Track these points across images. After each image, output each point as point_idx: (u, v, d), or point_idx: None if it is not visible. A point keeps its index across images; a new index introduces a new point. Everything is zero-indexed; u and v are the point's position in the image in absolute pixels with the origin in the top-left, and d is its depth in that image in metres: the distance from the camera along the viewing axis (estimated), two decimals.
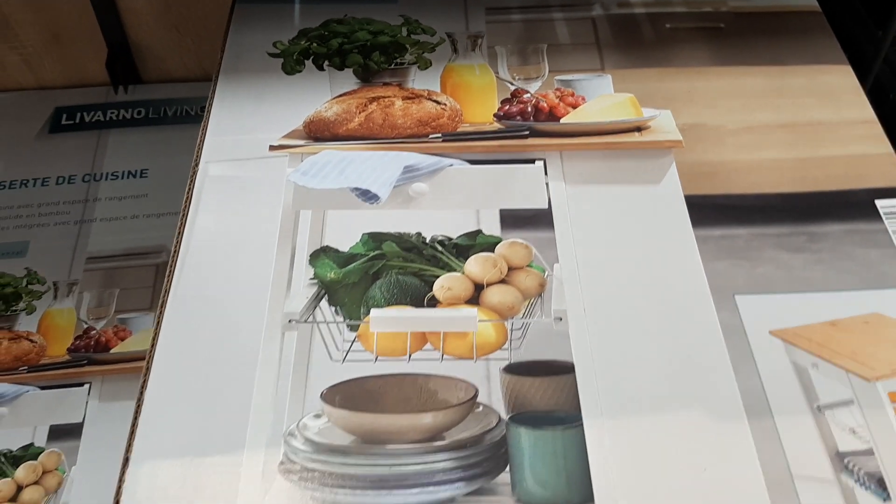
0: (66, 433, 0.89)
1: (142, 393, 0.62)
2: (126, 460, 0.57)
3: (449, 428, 0.59)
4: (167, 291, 0.68)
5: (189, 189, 0.76)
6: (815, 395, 0.60)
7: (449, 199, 0.72)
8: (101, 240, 1.08)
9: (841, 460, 0.57)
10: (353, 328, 0.66)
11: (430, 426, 0.59)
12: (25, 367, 0.96)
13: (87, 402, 0.91)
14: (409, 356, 0.63)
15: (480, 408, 0.61)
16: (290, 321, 0.65)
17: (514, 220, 0.72)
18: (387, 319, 0.65)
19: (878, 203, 0.71)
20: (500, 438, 0.58)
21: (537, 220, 0.71)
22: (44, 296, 1.01)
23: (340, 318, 0.67)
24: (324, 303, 0.68)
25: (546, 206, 0.71)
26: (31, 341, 0.99)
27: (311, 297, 0.68)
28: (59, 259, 1.05)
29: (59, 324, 1.03)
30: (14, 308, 1.02)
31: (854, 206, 0.71)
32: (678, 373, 0.61)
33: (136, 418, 0.59)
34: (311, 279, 0.69)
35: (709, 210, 0.71)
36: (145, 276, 1.06)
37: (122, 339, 0.99)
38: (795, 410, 0.59)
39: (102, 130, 1.23)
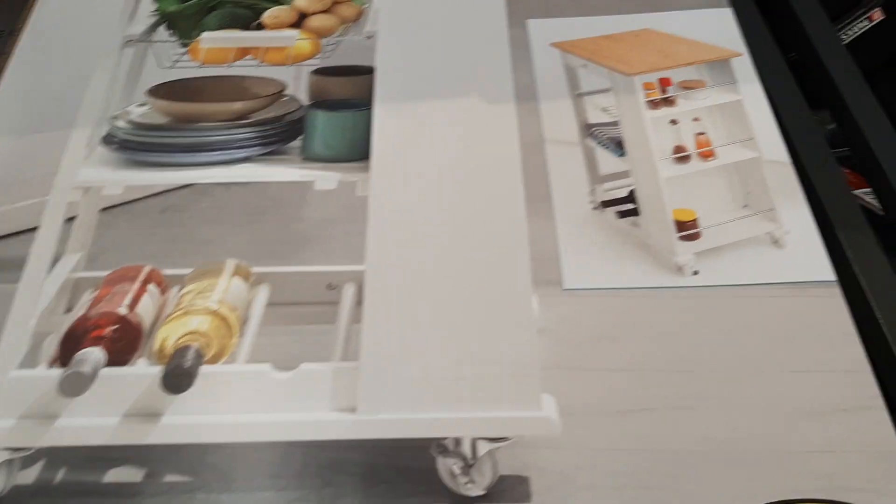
0: None
1: None
2: None
3: (255, 112, 0.66)
4: (23, 21, 0.74)
5: None
6: (579, 86, 0.67)
7: None
8: None
9: (588, 129, 0.64)
10: (185, 45, 0.72)
11: (238, 111, 0.65)
12: None
13: None
14: (231, 63, 0.70)
15: (287, 98, 0.68)
16: (128, 41, 0.72)
17: None
18: (217, 38, 0.71)
19: None
20: (298, 118, 0.65)
21: None
22: None
23: (175, 40, 0.73)
24: (161, 29, 0.74)
25: None
26: None
27: (151, 24, 0.74)
28: None
29: None
30: None
31: None
32: (461, 71, 0.67)
33: None
34: (153, 12, 0.75)
35: None
36: None
37: None
38: (558, 96, 0.66)
39: None
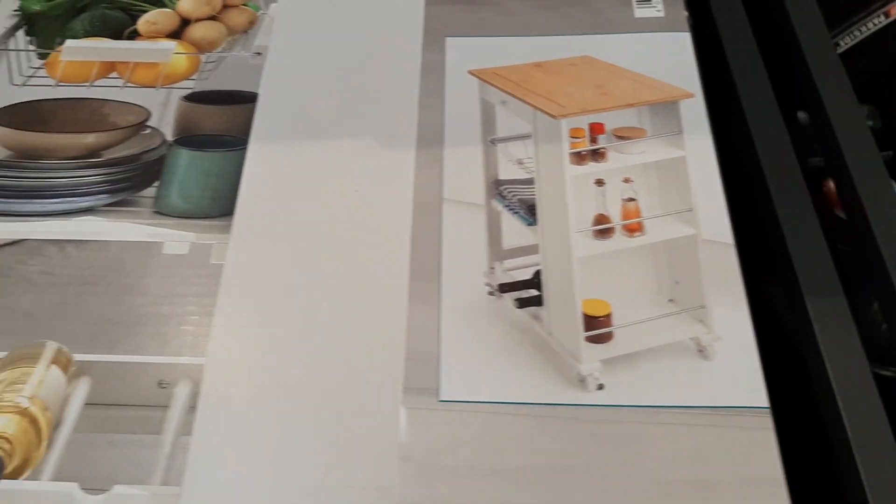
0: None
1: None
2: None
3: (112, 147, 0.56)
4: None
5: None
6: (494, 130, 0.56)
7: None
8: None
9: (497, 187, 0.54)
10: (43, 57, 0.62)
11: (90, 145, 0.55)
12: None
13: None
14: (92, 82, 0.59)
15: (148, 131, 0.58)
16: None
17: None
18: (79, 49, 0.60)
19: None
20: (157, 158, 0.55)
21: None
22: None
23: (33, 48, 0.63)
24: (21, 34, 0.64)
25: None
26: None
27: (9, 27, 0.64)
28: None
29: None
30: None
31: None
32: (360, 104, 0.56)
33: None
34: (15, 11, 0.65)
35: None
36: None
37: None
38: (467, 142, 0.55)
39: None
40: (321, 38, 0.60)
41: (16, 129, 0.55)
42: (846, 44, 0.90)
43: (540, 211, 0.50)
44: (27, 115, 0.56)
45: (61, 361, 0.47)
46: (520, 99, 0.55)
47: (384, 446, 0.42)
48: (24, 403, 0.44)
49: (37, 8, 0.62)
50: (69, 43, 0.59)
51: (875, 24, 0.94)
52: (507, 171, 0.53)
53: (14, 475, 0.43)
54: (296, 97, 0.56)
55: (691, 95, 0.55)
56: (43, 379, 0.45)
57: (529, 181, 0.52)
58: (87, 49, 0.59)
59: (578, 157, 0.52)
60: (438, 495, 0.41)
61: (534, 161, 0.53)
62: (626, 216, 0.50)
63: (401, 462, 0.42)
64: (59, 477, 0.42)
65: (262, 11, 0.62)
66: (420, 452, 0.42)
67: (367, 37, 0.60)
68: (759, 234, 0.58)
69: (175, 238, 0.50)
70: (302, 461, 0.42)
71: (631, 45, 0.60)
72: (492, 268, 0.49)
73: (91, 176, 0.52)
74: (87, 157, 0.54)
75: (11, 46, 0.60)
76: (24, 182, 0.52)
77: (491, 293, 0.47)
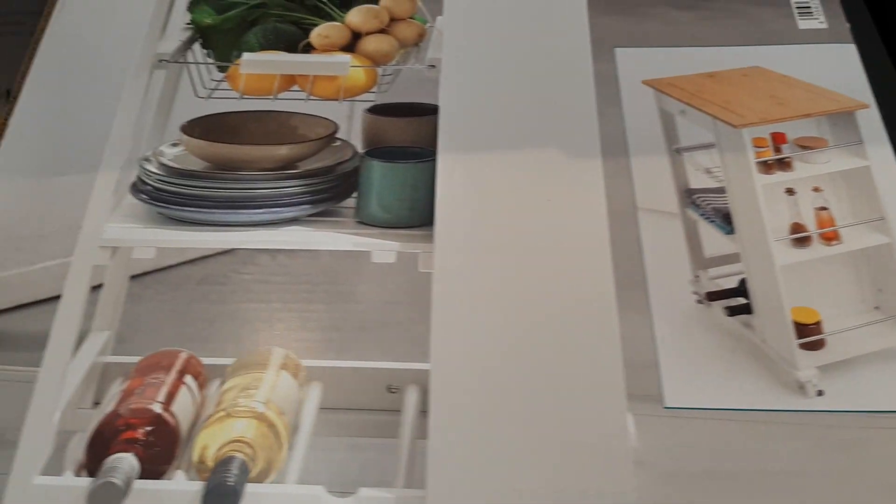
0: None
1: (7, 118, 0.60)
2: None
3: (303, 159, 0.57)
4: (42, 31, 0.65)
5: None
6: (677, 139, 0.57)
7: None
8: None
9: (689, 196, 0.55)
10: (223, 69, 0.64)
11: (284, 156, 0.57)
12: None
13: None
14: (276, 95, 0.61)
15: (338, 143, 0.59)
16: (160, 61, 0.63)
17: None
18: (258, 62, 0.62)
19: None
20: (351, 169, 0.56)
21: None
22: None
23: (212, 61, 0.64)
24: (197, 47, 0.65)
25: None
26: None
27: (184, 40, 0.65)
28: None
29: None
30: None
31: None
32: (540, 115, 0.58)
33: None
34: (188, 24, 0.66)
35: None
36: None
37: None
38: (652, 151, 0.56)
39: None
40: (492, 50, 0.61)
41: (209, 140, 0.56)
42: None
43: (735, 220, 0.51)
44: (217, 127, 0.58)
45: (290, 367, 0.48)
46: (698, 109, 0.56)
47: (616, 452, 0.44)
48: (260, 408, 0.46)
49: (209, 21, 0.64)
50: (247, 56, 0.60)
51: None
52: (696, 181, 0.54)
53: (259, 479, 0.45)
54: (476, 108, 0.58)
55: (866, 106, 0.56)
56: (275, 384, 0.47)
57: (720, 190, 0.53)
58: (266, 62, 0.60)
59: (765, 167, 0.53)
60: (674, 500, 0.43)
61: (721, 170, 0.54)
62: (820, 225, 0.51)
63: (635, 468, 0.43)
64: (303, 480, 0.44)
65: (429, 24, 0.64)
66: (653, 458, 0.44)
67: (536, 47, 0.61)
68: None
69: (381, 247, 0.52)
70: (537, 466, 0.43)
71: (795, 56, 0.61)
72: (696, 276, 0.50)
73: (290, 187, 0.54)
74: (281, 168, 0.56)
75: (189, 59, 0.62)
76: (225, 192, 0.54)
77: (699, 301, 0.49)
